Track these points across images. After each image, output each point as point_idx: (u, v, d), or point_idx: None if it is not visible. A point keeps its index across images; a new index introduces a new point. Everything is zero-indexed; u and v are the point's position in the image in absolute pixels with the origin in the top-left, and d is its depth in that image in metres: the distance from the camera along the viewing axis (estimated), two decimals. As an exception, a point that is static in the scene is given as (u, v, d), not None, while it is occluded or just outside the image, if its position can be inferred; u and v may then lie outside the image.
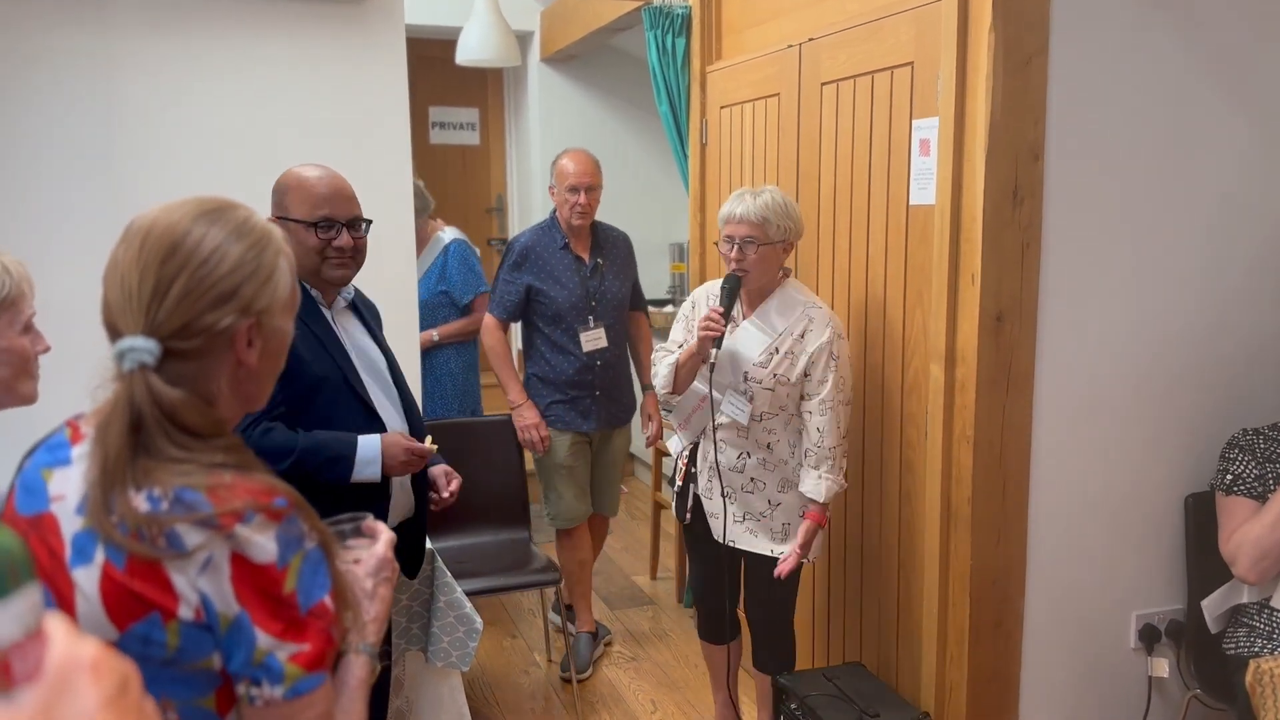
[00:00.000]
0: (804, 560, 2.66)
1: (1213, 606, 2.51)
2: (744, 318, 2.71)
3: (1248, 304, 2.63)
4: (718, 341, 2.60)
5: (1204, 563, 2.59)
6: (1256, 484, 2.43)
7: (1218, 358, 2.63)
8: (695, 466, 2.85)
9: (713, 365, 2.60)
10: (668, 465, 4.77)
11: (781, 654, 2.89)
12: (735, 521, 2.77)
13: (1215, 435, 2.61)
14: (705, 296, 2.82)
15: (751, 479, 2.74)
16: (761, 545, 2.76)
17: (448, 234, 4.14)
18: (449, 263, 4.08)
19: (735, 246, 2.60)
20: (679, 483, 2.92)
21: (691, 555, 3.05)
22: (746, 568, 2.87)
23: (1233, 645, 2.46)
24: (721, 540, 2.79)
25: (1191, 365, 2.61)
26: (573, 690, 3.52)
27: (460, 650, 2.64)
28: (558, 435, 3.60)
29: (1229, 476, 2.47)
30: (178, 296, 1.08)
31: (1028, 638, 2.56)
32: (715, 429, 2.72)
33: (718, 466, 2.75)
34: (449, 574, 2.64)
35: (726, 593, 2.95)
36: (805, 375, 2.63)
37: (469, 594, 2.72)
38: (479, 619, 2.66)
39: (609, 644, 3.89)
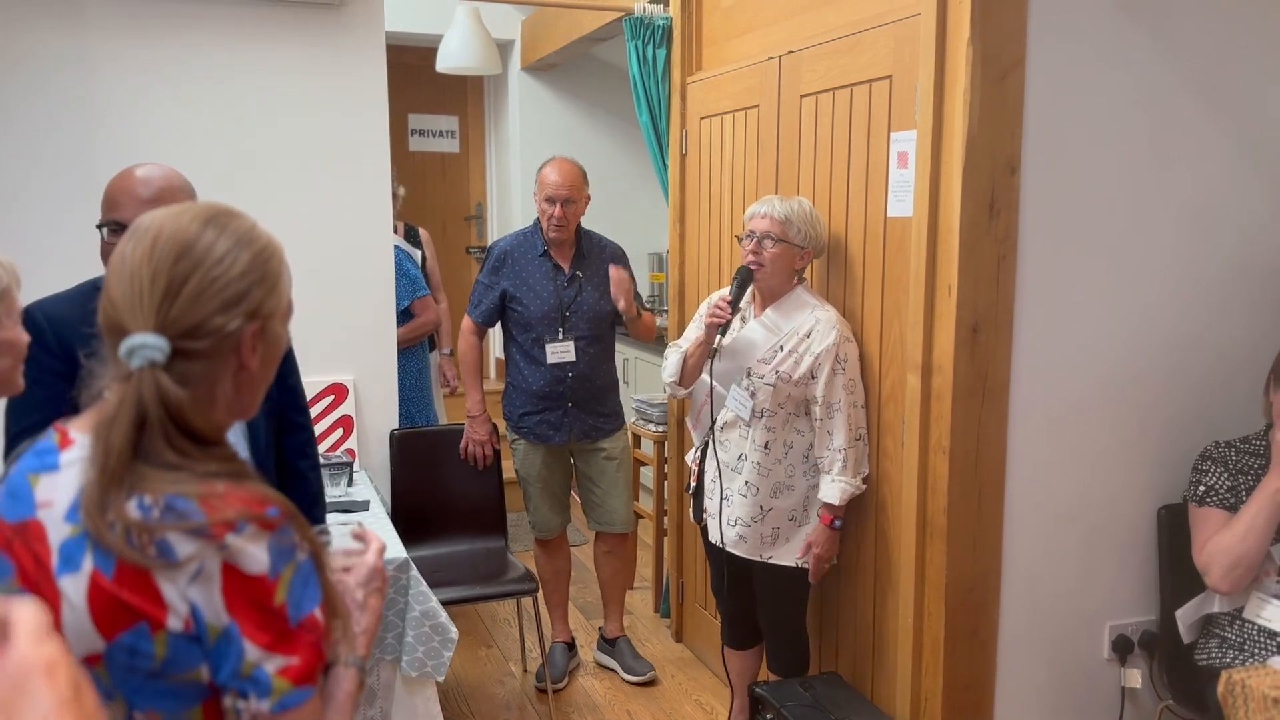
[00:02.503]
0: (826, 563, 2.78)
1: (1186, 616, 2.53)
2: (754, 316, 2.80)
3: (1222, 316, 2.66)
4: (723, 329, 2.73)
5: (1177, 574, 2.61)
6: (1229, 495, 2.46)
7: (1191, 370, 2.66)
8: (705, 466, 2.91)
9: (714, 352, 2.74)
10: (645, 475, 4.78)
11: (790, 657, 2.91)
12: (729, 525, 2.82)
13: (1188, 447, 2.64)
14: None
15: (746, 482, 2.78)
16: (750, 550, 2.80)
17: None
18: None
19: (754, 240, 2.70)
20: (692, 484, 3.01)
21: (708, 559, 3.09)
22: (754, 572, 2.88)
23: (1205, 656, 2.49)
24: (719, 543, 2.85)
25: (1165, 377, 2.64)
26: (548, 700, 3.51)
27: (435, 660, 2.62)
28: (531, 448, 3.59)
29: (1202, 488, 2.50)
30: (190, 297, 1.07)
31: (1002, 648, 2.58)
32: (714, 420, 2.83)
33: (718, 463, 2.83)
34: (424, 583, 2.63)
35: (737, 596, 2.97)
36: (811, 377, 2.67)
37: (444, 603, 2.71)
38: (454, 628, 2.65)
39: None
